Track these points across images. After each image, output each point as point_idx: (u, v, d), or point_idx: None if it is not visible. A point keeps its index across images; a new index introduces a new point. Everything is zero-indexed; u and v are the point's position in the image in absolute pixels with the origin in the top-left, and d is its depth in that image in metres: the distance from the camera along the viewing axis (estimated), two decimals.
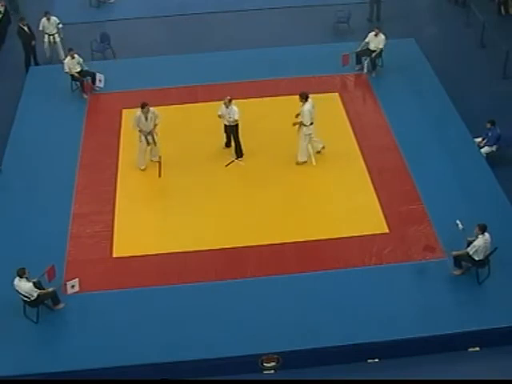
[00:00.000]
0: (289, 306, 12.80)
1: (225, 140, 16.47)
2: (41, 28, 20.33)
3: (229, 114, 15.79)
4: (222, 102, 15.78)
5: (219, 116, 15.98)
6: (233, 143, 16.32)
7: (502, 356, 12.32)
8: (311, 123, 15.64)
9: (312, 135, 15.86)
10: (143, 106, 15.58)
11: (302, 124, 15.64)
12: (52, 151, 16.67)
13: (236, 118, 15.76)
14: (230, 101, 15.70)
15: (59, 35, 20.56)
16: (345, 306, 12.75)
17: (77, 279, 12.95)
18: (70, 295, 12.78)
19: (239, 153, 16.28)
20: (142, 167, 16.07)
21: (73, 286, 12.87)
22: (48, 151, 16.67)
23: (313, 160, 16.18)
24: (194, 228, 14.61)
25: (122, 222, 14.78)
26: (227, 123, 16.01)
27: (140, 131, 15.75)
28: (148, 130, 15.76)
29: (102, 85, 18.53)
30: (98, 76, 18.47)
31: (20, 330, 12.56)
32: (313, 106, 15.55)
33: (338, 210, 14.87)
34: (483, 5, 22.71)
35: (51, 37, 20.47)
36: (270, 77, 18.89)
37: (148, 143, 15.85)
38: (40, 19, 20.31)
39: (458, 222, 13.25)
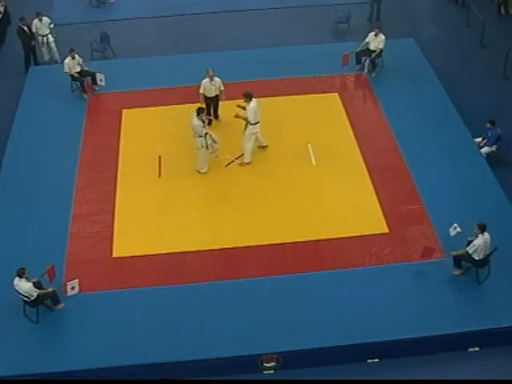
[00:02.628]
0: (289, 306, 12.80)
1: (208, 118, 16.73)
2: (34, 30, 20.22)
3: (215, 86, 16.68)
4: (206, 78, 16.63)
5: (201, 93, 16.72)
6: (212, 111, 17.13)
7: (502, 356, 12.33)
8: (257, 122, 15.73)
9: (258, 134, 16.06)
10: (200, 111, 15.50)
11: (248, 123, 15.71)
12: (52, 151, 16.67)
13: (223, 87, 16.78)
14: (213, 73, 16.60)
15: (52, 35, 20.52)
16: (345, 305, 12.76)
17: (76, 280, 12.95)
18: (69, 296, 12.79)
19: (216, 115, 17.18)
20: (203, 170, 15.92)
21: (73, 288, 12.88)
22: (48, 151, 16.67)
23: (312, 160, 16.18)
24: (194, 228, 14.62)
25: (121, 222, 14.78)
26: (212, 95, 16.80)
27: (199, 137, 15.58)
28: (205, 132, 15.75)
29: (103, 83, 18.52)
30: (99, 76, 18.46)
31: (20, 330, 12.56)
32: (257, 106, 15.68)
33: (338, 210, 14.87)
34: (483, 5, 22.72)
35: (44, 38, 20.40)
36: (269, 77, 18.89)
37: (207, 146, 15.72)
38: (31, 21, 20.23)
39: (452, 229, 13.28)
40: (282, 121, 17.34)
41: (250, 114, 15.60)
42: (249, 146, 16.01)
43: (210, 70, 16.68)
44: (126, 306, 12.94)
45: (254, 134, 15.88)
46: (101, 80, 18.49)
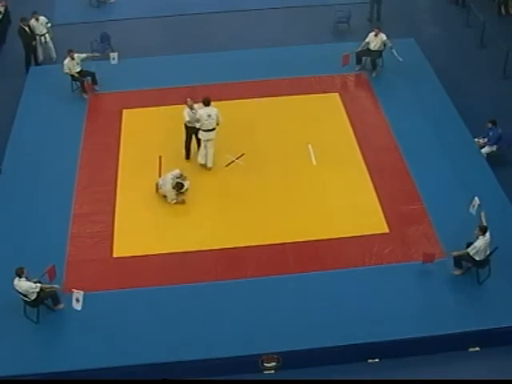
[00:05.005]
0: (289, 306, 12.80)
1: (185, 149, 16.20)
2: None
3: (196, 114, 15.70)
4: (187, 108, 15.68)
5: (188, 122, 15.72)
6: (194, 141, 16.25)
7: (502, 356, 12.33)
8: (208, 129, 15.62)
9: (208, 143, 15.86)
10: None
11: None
12: (52, 151, 16.66)
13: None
14: (192, 103, 15.72)
15: (49, 34, 20.54)
16: (345, 305, 12.76)
17: (82, 293, 12.56)
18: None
19: (188, 155, 16.29)
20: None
21: (78, 300, 12.59)
22: (48, 151, 16.67)
23: (313, 160, 16.18)
24: (194, 228, 14.62)
25: (122, 221, 14.78)
26: (193, 125, 15.78)
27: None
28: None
29: (116, 61, 18.64)
30: (112, 55, 18.67)
31: (20, 329, 12.56)
32: (210, 113, 15.51)
33: (338, 210, 14.87)
34: (483, 5, 22.73)
35: (41, 37, 20.41)
36: (270, 77, 18.89)
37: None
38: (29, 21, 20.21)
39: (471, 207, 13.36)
40: (282, 121, 17.34)
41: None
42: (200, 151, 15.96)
43: (188, 99, 15.79)
44: (126, 305, 12.93)
45: (205, 140, 15.71)
46: (113, 58, 18.63)
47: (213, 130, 15.64)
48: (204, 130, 15.60)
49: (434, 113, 17.46)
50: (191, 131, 16.02)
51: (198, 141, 16.06)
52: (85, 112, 18.00)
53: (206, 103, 15.57)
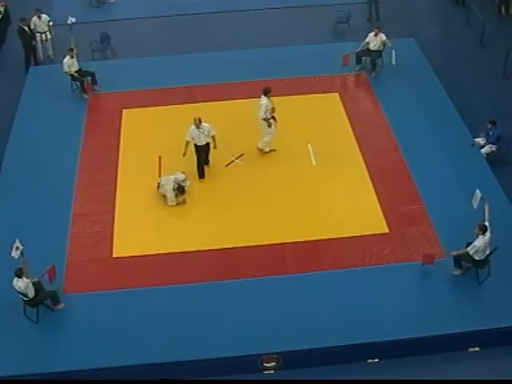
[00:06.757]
0: (288, 306, 12.80)
1: (197, 169, 15.66)
2: (32, 27, 20.31)
3: (203, 133, 15.31)
4: (193, 125, 15.16)
5: (188, 142, 15.33)
6: (198, 163, 15.76)
7: (503, 356, 12.33)
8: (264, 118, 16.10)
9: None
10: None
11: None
12: (52, 151, 16.67)
13: (214, 132, 15.45)
14: (200, 121, 15.23)
15: (50, 33, 20.60)
16: (345, 305, 12.76)
17: (16, 239, 12.55)
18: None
19: (201, 174, 15.75)
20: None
21: (17, 248, 12.46)
22: (48, 151, 16.67)
23: (312, 160, 16.19)
24: (194, 228, 14.62)
25: (121, 222, 14.78)
26: (202, 143, 15.43)
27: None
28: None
29: (74, 20, 19.28)
30: (71, 19, 19.14)
31: (20, 329, 12.55)
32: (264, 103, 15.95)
33: (338, 210, 14.87)
34: (483, 5, 22.74)
35: (43, 35, 20.49)
36: (270, 77, 18.87)
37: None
38: (31, 18, 20.33)
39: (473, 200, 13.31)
40: (282, 121, 17.30)
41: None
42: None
43: (195, 118, 15.19)
44: (126, 306, 12.93)
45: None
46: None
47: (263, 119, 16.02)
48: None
49: (434, 113, 17.47)
50: (199, 149, 15.57)
51: (206, 157, 15.85)
52: (85, 112, 18.01)
53: (265, 93, 15.90)
